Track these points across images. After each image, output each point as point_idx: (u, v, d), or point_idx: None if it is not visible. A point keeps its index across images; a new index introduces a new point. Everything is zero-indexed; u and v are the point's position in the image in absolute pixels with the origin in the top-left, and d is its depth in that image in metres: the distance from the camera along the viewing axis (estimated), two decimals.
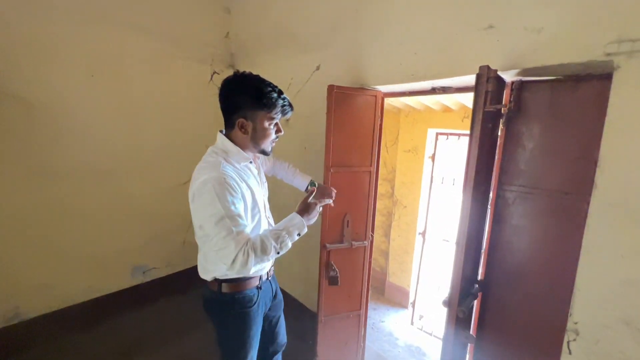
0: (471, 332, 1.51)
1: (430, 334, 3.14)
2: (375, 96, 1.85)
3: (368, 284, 2.07)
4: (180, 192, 2.76)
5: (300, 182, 1.62)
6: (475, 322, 1.51)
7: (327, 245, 1.85)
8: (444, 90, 1.67)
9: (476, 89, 1.12)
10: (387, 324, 3.16)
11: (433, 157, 3.25)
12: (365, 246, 1.96)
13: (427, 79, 1.55)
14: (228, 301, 1.16)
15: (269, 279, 1.34)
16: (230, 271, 0.99)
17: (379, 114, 1.89)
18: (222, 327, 1.19)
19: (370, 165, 1.93)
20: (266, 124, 1.09)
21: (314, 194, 1.31)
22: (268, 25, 2.44)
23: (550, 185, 1.32)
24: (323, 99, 2.10)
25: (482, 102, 1.11)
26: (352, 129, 1.85)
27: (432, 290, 3.57)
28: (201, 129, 2.77)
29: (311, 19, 2.09)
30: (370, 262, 2.05)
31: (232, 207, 0.97)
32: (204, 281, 1.22)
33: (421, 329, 3.22)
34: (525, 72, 1.26)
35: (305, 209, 1.16)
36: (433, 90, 1.72)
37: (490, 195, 1.45)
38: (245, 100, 1.04)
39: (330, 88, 1.72)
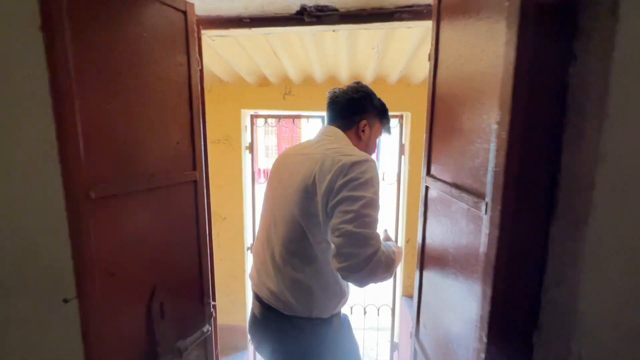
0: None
1: None
2: (185, 14, 0.84)
3: None
4: None
5: None
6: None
7: None
8: (321, 17, 0.92)
9: None
10: None
11: (251, 148, 2.49)
12: (207, 334, 0.96)
13: None
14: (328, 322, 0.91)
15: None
16: (340, 268, 0.74)
17: (197, 60, 0.91)
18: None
19: (194, 169, 0.93)
20: (376, 136, 1.03)
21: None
22: None
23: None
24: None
25: None
26: (137, 91, 0.77)
27: None
28: None
29: None
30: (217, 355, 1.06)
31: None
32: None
33: None
34: None
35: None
36: (301, 17, 0.93)
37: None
38: (373, 108, 0.99)
39: None
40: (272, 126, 2.59)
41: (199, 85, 0.95)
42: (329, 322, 0.89)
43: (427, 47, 1.69)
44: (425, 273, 0.95)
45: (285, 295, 0.82)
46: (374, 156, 0.99)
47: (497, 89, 0.54)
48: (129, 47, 0.74)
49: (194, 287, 0.95)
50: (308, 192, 0.79)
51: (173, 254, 0.88)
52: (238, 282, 2.52)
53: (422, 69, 1.89)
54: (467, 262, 0.65)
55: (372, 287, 0.96)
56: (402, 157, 2.41)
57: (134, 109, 0.76)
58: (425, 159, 0.92)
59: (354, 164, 0.76)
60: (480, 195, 0.60)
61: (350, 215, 0.71)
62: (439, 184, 0.81)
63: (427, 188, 0.91)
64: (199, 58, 0.89)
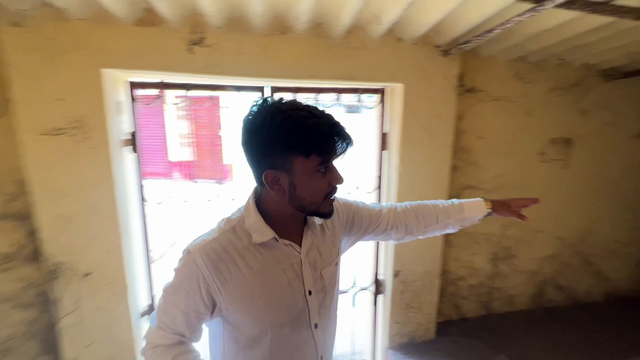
0: None
1: None
2: None
3: None
4: None
5: (467, 213, 0.88)
6: None
7: None
8: None
9: None
10: None
11: (134, 142, 1.39)
12: None
13: None
14: None
15: None
16: None
17: None
18: None
19: None
20: (310, 172, 0.64)
21: None
22: None
23: None
24: None
25: None
26: None
27: None
28: None
29: None
30: None
31: (176, 307, 0.67)
32: None
33: None
34: None
35: None
36: None
37: None
38: (272, 142, 0.61)
39: None
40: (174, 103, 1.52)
41: None
42: None
43: None
44: None
45: None
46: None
47: None
48: None
49: None
50: None
51: None
52: None
53: (438, 9, 1.10)
54: None
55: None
56: (384, 152, 1.63)
57: None
58: None
59: None
60: None
61: None
62: None
63: None
64: None
